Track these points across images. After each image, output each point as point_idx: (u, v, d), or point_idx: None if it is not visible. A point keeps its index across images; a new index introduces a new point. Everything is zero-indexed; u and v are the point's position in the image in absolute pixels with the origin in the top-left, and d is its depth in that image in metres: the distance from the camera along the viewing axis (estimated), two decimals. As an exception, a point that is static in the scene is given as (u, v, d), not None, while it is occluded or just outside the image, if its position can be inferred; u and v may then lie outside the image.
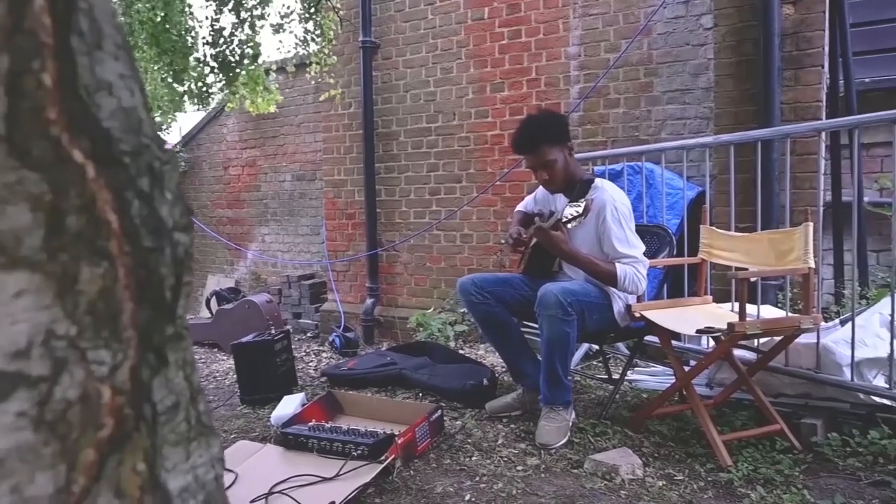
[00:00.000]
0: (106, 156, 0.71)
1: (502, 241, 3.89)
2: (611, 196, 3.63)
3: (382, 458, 3.14)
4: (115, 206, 0.71)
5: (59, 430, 0.68)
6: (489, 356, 5.48)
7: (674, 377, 3.66)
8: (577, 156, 4.06)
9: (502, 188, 6.24)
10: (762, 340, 3.47)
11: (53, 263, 0.67)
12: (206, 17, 6.71)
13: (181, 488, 0.81)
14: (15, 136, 0.65)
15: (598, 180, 3.78)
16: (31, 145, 0.66)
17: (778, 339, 3.33)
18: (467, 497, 2.98)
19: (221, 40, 6.74)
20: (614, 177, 4.84)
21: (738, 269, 3.66)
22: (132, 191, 0.73)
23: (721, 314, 3.66)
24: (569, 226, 3.47)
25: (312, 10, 6.92)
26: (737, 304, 3.32)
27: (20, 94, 0.66)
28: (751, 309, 3.42)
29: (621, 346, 4.95)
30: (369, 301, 7.05)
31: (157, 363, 0.77)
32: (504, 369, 4.63)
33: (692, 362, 4.00)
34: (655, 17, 5.40)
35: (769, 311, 3.82)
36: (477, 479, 3.16)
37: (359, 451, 3.20)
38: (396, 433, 3.31)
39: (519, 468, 3.26)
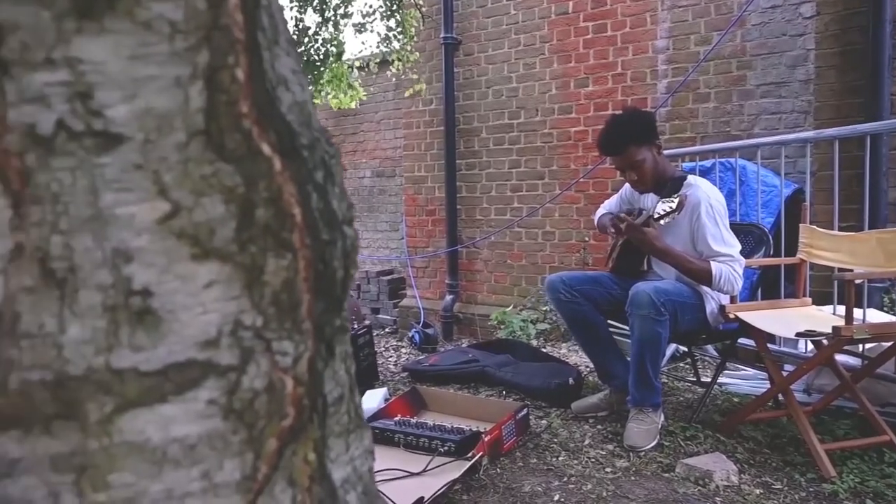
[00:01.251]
0: (289, 149, 0.72)
1: (611, 231, 3.81)
2: (705, 193, 3.54)
3: (469, 455, 3.15)
4: (299, 199, 0.72)
5: (246, 418, 0.70)
6: (572, 355, 5.43)
7: (767, 381, 3.56)
8: (666, 152, 3.98)
9: (586, 185, 6.18)
10: (868, 346, 3.35)
11: (243, 255, 0.69)
12: (291, 18, 6.81)
13: (343, 479, 0.82)
14: (212, 129, 0.67)
15: (690, 177, 3.70)
16: (225, 138, 0.68)
17: (887, 344, 3.20)
18: (556, 497, 2.95)
19: (306, 39, 6.85)
20: (704, 173, 4.73)
21: (841, 270, 3.54)
22: (311, 184, 0.74)
23: (822, 317, 3.54)
24: (661, 222, 3.40)
25: (395, 7, 6.97)
26: (839, 308, 3.21)
27: (217, 89, 0.67)
28: (855, 313, 3.30)
29: (709, 347, 4.84)
30: (449, 297, 7.07)
31: (327, 355, 0.78)
32: (589, 369, 4.59)
33: (786, 367, 3.89)
34: (750, 6, 5.25)
35: (875, 315, 3.68)
36: (565, 479, 3.14)
37: (446, 448, 3.21)
38: (482, 430, 3.31)
39: (608, 470, 3.22)
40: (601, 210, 4.15)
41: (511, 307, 6.34)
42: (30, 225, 0.63)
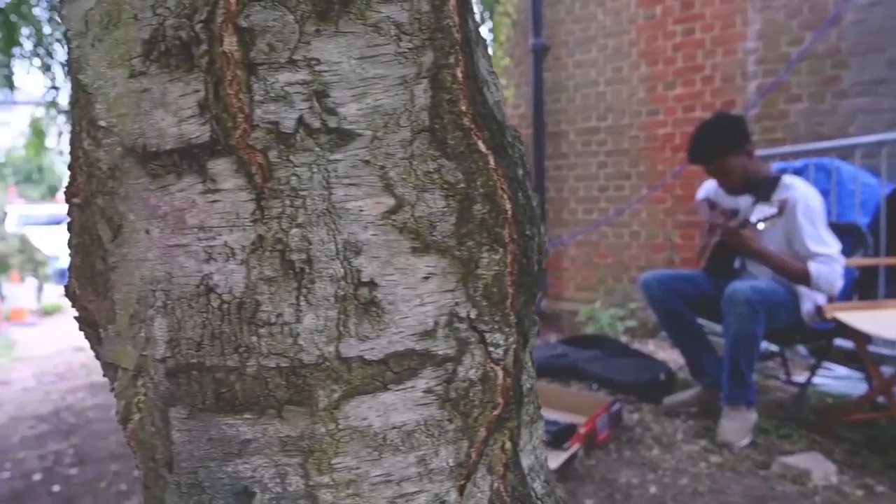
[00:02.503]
0: (499, 146, 0.74)
1: (706, 229, 3.76)
2: (803, 193, 3.46)
3: (565, 445, 3.15)
4: (509, 195, 0.73)
5: (461, 407, 0.72)
6: (659, 352, 5.37)
7: (862, 381, 3.46)
8: (760, 153, 3.89)
9: (673, 186, 6.09)
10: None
11: (460, 249, 0.71)
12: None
13: (529, 467, 0.83)
14: (436, 127, 0.69)
15: (786, 177, 3.61)
16: (447, 136, 0.69)
17: None
18: (652, 490, 2.94)
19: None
20: (796, 174, 4.61)
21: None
22: (516, 180, 0.76)
23: (927, 318, 3.42)
24: (760, 226, 3.35)
25: (487, 14, 6.99)
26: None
27: (440, 88, 0.69)
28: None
29: (800, 347, 4.73)
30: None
31: (524, 347, 0.80)
32: (678, 365, 4.54)
33: (883, 368, 3.77)
34: (847, 4, 5.08)
35: (983, 317, 3.54)
36: (659, 472, 3.11)
37: (540, 438, 3.22)
38: (577, 423, 3.31)
39: (702, 465, 3.19)
40: (701, 192, 4.08)
41: (597, 304, 6.31)
42: (270, 218, 0.66)
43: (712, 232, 3.66)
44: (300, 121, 0.65)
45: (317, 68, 0.66)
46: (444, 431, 0.72)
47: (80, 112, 0.73)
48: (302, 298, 0.66)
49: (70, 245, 0.79)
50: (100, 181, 0.72)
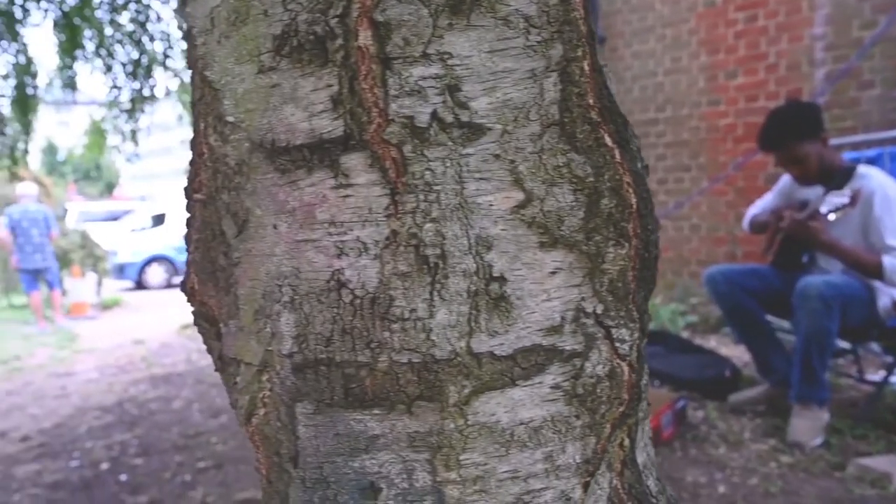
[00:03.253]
0: (623, 140, 0.72)
1: (771, 226, 3.67)
2: (880, 183, 3.35)
3: (630, 444, 3.12)
4: (634, 189, 0.72)
5: (588, 403, 0.71)
6: (722, 348, 5.28)
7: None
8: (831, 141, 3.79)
9: (735, 178, 5.98)
10: None
11: (588, 244, 0.69)
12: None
13: (643, 464, 0.82)
14: (566, 120, 0.68)
15: (861, 167, 3.50)
16: (576, 129, 0.68)
17: None
18: (721, 489, 2.89)
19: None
20: (869, 163, 4.48)
21: None
22: (638, 174, 0.74)
23: None
24: (831, 217, 3.25)
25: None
26: None
27: (569, 81, 0.68)
28: None
29: (873, 344, 4.61)
30: (594, 287, 7.03)
31: (643, 342, 0.79)
32: (743, 362, 4.45)
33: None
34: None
35: None
36: (727, 471, 3.06)
37: (603, 436, 3.19)
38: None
39: (772, 465, 3.12)
40: (753, 209, 3.98)
41: (658, 299, 6.23)
42: (404, 213, 0.65)
43: (780, 224, 3.56)
44: (434, 115, 0.65)
45: (449, 62, 0.65)
46: (571, 428, 0.71)
47: (206, 108, 0.73)
48: (435, 293, 0.66)
49: (189, 241, 0.80)
50: (226, 177, 0.73)
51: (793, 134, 3.43)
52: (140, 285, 14.40)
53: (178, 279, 14.80)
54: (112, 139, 7.96)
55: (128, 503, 3.66)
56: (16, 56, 6.69)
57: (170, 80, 7.44)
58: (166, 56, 7.30)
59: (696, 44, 6.24)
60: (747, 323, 3.75)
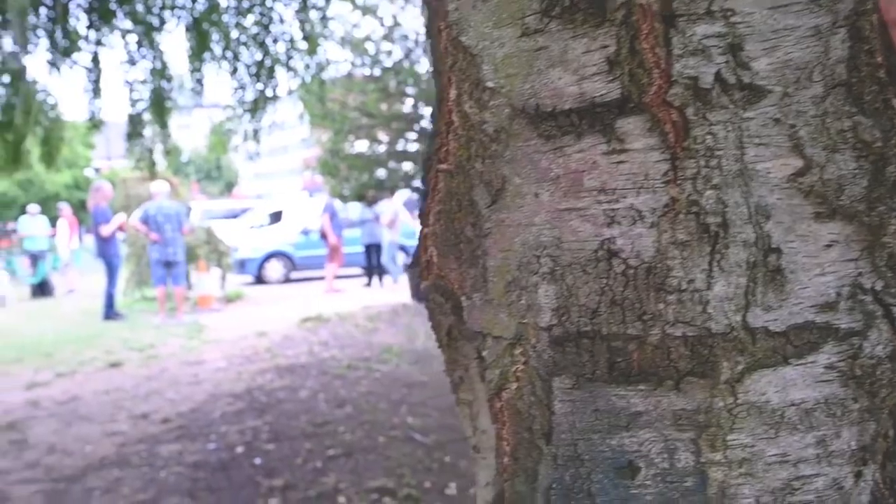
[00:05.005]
0: (903, 104, 0.67)
1: None
2: None
3: None
4: (920, 157, 0.67)
5: (867, 386, 0.66)
6: None
7: None
8: None
9: None
10: None
11: (870, 214, 0.65)
12: None
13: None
14: (853, 81, 0.63)
15: None
16: (864, 90, 0.64)
17: None
18: None
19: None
20: None
21: None
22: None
23: None
24: None
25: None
26: None
27: (858, 38, 0.63)
28: None
29: None
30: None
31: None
32: None
33: None
34: None
35: None
36: None
37: None
38: None
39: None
40: None
41: None
42: (684, 179, 0.63)
43: None
44: (717, 76, 0.61)
45: (732, 19, 0.62)
46: (848, 411, 0.66)
47: (461, 75, 0.72)
48: (714, 264, 0.63)
49: (428, 213, 0.79)
50: (481, 145, 0.71)
51: None
52: (259, 280, 14.91)
53: (295, 274, 15.26)
54: (235, 139, 8.24)
55: (264, 486, 3.78)
56: (153, 62, 7.03)
57: (290, 80, 7.61)
58: (289, 57, 7.50)
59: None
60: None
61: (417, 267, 0.81)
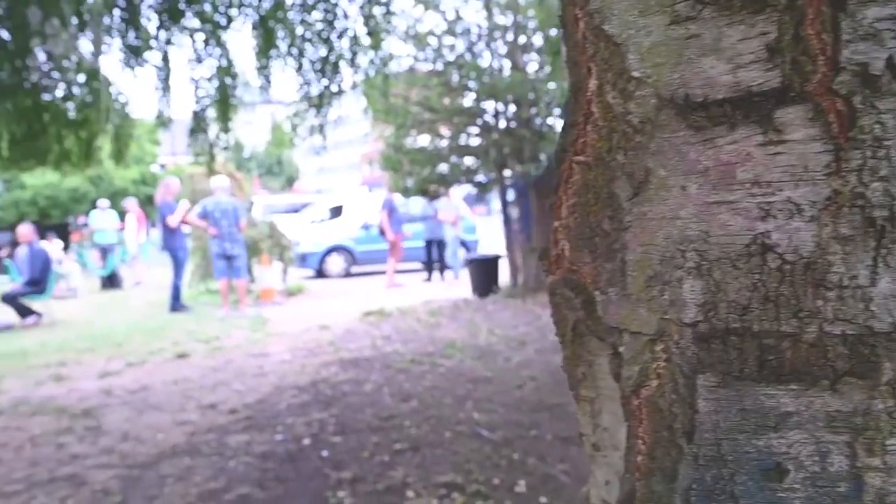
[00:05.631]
0: None
1: None
2: None
3: None
4: None
5: None
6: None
7: None
8: None
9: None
10: None
11: None
12: None
13: None
14: None
15: None
16: None
17: None
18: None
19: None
20: None
21: None
22: None
23: None
24: None
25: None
26: None
27: None
28: None
29: None
30: None
31: None
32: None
33: None
34: None
35: None
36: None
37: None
38: None
39: None
40: None
41: None
42: (848, 171, 0.60)
43: None
44: (889, 62, 0.58)
45: (903, 3, 0.59)
46: None
47: (603, 65, 0.71)
48: (880, 260, 0.60)
49: (559, 206, 0.78)
50: (623, 136, 0.70)
51: None
52: (320, 274, 15.08)
53: (355, 268, 15.39)
54: (300, 134, 8.33)
55: (332, 478, 3.81)
56: (219, 60, 7.16)
57: (354, 75, 7.66)
58: (353, 52, 7.55)
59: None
60: None
61: (545, 261, 0.80)
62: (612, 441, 0.81)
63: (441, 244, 13.16)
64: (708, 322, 0.66)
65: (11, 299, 10.60)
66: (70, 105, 7.00)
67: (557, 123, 10.28)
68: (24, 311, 10.58)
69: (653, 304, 0.69)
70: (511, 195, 10.92)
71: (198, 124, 7.23)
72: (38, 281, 10.81)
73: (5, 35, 6.56)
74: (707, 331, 0.66)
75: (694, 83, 0.64)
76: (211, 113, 7.32)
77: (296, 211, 19.28)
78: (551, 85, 9.83)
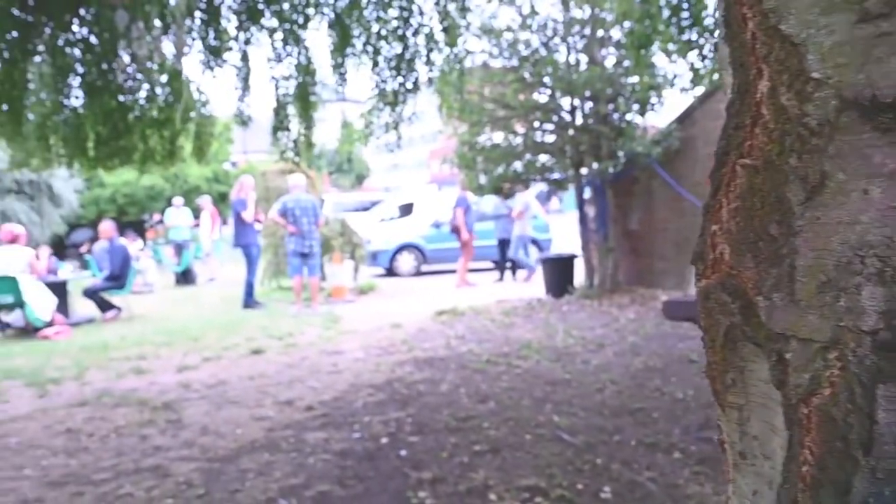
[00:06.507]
0: None
1: None
2: None
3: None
4: None
5: None
6: None
7: None
8: None
9: None
10: None
11: None
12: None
13: None
14: None
15: None
16: None
17: None
18: None
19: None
20: None
21: None
22: None
23: None
24: None
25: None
26: None
27: None
28: None
29: None
30: None
31: None
32: None
33: None
34: None
35: None
36: None
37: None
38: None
39: None
40: None
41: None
42: None
43: None
44: None
45: None
46: None
47: (779, 66, 0.68)
48: None
49: (718, 210, 0.74)
50: (798, 139, 0.66)
51: None
52: (391, 272, 15.18)
53: (426, 267, 15.45)
54: (374, 132, 8.35)
55: (412, 478, 3.80)
56: (297, 58, 7.24)
57: (429, 72, 7.65)
58: (429, 49, 7.54)
59: None
60: None
61: (699, 264, 0.76)
62: (763, 450, 0.77)
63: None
64: (890, 330, 0.61)
65: (93, 294, 10.97)
66: (153, 105, 7.19)
67: (637, 119, 10.08)
68: (105, 306, 10.93)
69: (826, 310, 0.65)
70: (587, 193, 10.76)
71: (280, 122, 7.33)
72: (118, 276, 11.15)
73: (93, 39, 6.78)
74: (889, 339, 0.61)
75: (882, 83, 0.61)
76: (291, 110, 7.42)
77: (365, 209, 19.45)
78: (632, 79, 9.64)
